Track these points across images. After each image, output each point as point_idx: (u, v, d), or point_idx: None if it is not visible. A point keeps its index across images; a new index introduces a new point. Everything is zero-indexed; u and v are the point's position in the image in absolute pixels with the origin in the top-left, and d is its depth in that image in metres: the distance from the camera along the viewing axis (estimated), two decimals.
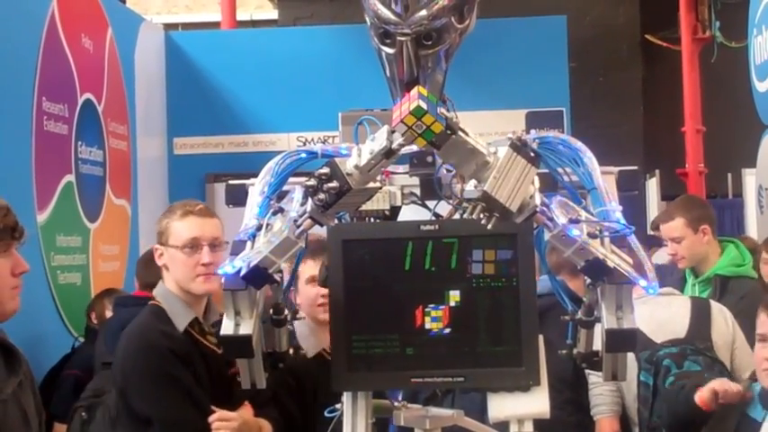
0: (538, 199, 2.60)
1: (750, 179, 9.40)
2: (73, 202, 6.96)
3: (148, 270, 5.90)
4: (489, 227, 2.54)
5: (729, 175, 12.64)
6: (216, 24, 12.79)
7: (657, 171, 11.73)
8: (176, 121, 9.25)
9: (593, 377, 4.37)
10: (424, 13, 2.57)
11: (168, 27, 10.77)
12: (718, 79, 12.24)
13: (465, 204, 2.59)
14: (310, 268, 3.87)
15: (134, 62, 8.41)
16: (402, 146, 2.58)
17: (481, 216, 2.53)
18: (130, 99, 8.26)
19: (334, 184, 2.62)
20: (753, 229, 8.58)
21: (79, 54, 7.16)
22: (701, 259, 5.32)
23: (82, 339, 6.38)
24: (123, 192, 7.94)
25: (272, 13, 15.07)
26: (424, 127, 2.49)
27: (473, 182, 2.61)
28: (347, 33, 9.29)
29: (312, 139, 8.84)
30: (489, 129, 8.11)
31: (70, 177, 6.92)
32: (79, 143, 7.09)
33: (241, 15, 13.42)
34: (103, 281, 7.15)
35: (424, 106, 2.47)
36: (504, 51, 9.02)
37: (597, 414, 4.51)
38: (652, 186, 11.69)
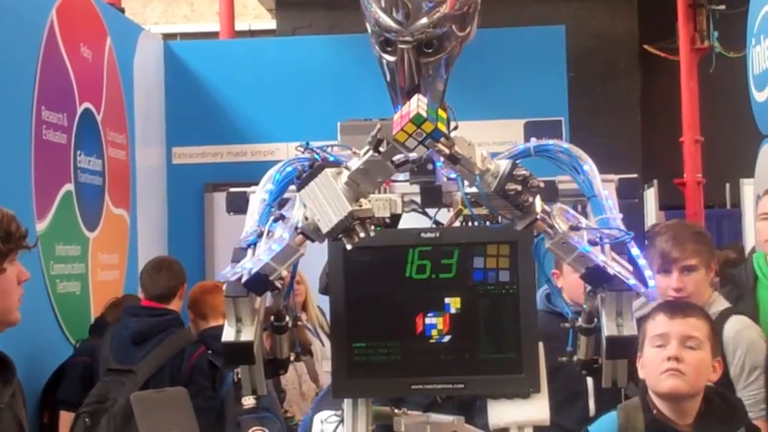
0: (539, 206, 2.62)
1: (748, 189, 9.40)
2: (72, 211, 6.96)
3: (154, 281, 5.94)
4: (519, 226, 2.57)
5: (727, 185, 12.67)
6: (214, 34, 12.81)
7: (655, 181, 11.75)
8: (175, 130, 9.26)
9: (741, 383, 4.22)
10: (425, 20, 2.57)
11: (166, 37, 10.79)
12: (717, 89, 12.27)
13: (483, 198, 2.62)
14: None
15: (133, 72, 8.42)
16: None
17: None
18: (129, 108, 8.27)
19: None
20: (750, 239, 8.58)
21: (78, 63, 7.17)
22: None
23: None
24: (122, 201, 7.95)
25: (271, 23, 15.10)
26: (424, 134, 2.50)
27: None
28: (345, 43, 9.31)
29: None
30: (488, 138, 8.14)
31: (69, 186, 6.93)
32: (78, 152, 7.09)
33: (239, 25, 13.44)
34: (103, 290, 7.15)
35: (424, 114, 2.48)
36: (502, 61, 9.05)
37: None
38: (650, 196, 11.71)
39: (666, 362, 3.44)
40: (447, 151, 2.56)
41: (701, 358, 3.48)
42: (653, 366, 3.49)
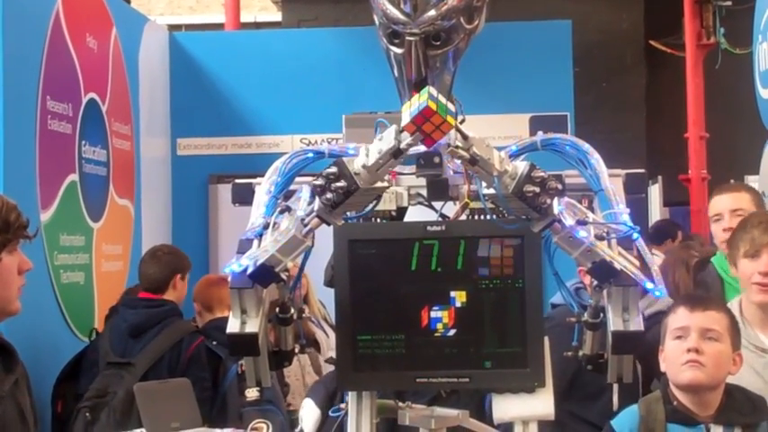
0: (556, 208, 2.61)
1: (753, 186, 9.38)
2: (76, 201, 6.95)
3: (147, 272, 5.92)
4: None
5: (732, 182, 12.63)
6: (219, 26, 12.79)
7: (660, 177, 11.74)
8: (180, 121, 9.24)
9: None
10: (433, 13, 2.57)
11: (172, 28, 10.76)
12: (722, 86, 12.23)
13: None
14: None
15: (138, 62, 8.40)
16: (410, 146, 2.58)
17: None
18: (134, 99, 8.26)
19: (342, 183, 2.62)
20: None
21: (84, 53, 7.16)
22: None
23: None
24: (127, 192, 7.94)
25: (276, 15, 15.09)
26: (434, 127, 2.49)
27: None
28: (351, 36, 9.29)
29: (316, 142, 8.83)
30: (493, 132, 8.12)
31: (74, 177, 6.91)
32: (83, 143, 7.08)
33: (245, 17, 13.43)
34: (106, 280, 7.15)
35: (434, 107, 2.47)
36: (508, 55, 9.01)
37: None
38: (654, 192, 11.69)
39: (686, 353, 3.47)
40: (466, 154, 2.56)
41: (720, 350, 3.50)
42: (673, 358, 3.52)
